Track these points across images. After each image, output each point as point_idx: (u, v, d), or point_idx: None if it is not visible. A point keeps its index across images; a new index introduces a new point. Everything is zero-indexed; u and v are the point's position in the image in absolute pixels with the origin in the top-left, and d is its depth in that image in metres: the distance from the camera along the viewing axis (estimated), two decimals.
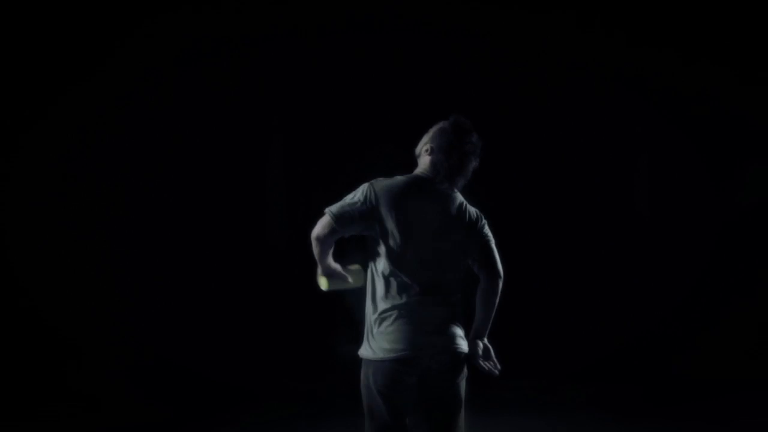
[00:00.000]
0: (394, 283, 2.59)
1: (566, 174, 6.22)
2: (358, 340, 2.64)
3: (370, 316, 2.59)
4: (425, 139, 2.76)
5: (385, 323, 2.56)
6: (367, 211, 2.56)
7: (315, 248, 2.60)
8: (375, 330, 2.57)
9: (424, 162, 2.71)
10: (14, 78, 5.37)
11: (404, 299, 2.58)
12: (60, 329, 5.40)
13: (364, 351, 2.58)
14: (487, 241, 2.77)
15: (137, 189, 5.71)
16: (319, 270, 2.65)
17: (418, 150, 2.77)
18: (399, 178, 2.66)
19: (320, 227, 2.57)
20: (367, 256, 2.65)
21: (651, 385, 5.47)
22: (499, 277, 2.75)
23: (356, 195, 2.59)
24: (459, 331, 2.65)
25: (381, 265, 2.59)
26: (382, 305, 2.58)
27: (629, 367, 5.74)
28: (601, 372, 5.63)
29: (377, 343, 2.55)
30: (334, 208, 2.56)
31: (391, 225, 2.58)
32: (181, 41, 5.48)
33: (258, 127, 5.95)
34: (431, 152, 2.68)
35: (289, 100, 5.87)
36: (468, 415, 2.70)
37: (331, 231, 2.55)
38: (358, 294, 2.72)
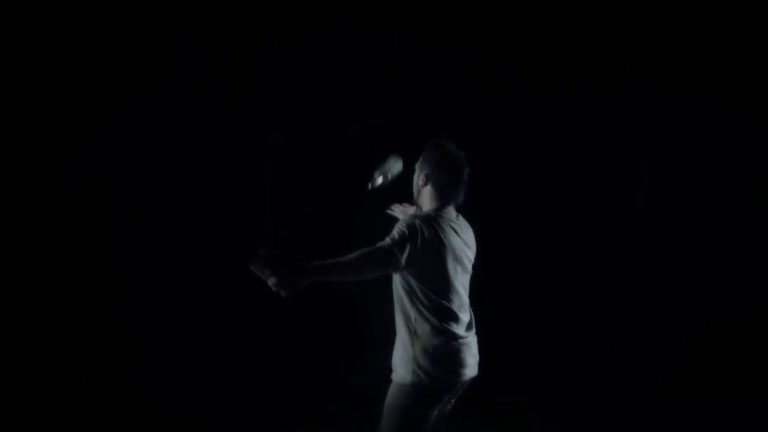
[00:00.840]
0: (444, 313, 2.70)
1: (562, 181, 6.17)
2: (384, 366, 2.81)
3: (419, 344, 2.68)
4: (416, 175, 2.89)
5: (440, 351, 2.68)
6: (422, 249, 2.63)
7: (346, 269, 2.59)
8: (429, 355, 2.67)
9: (426, 194, 2.87)
10: (15, 77, 5.38)
11: (454, 327, 2.72)
12: (77, 339, 5.41)
13: (411, 376, 2.68)
14: None
15: (154, 198, 5.68)
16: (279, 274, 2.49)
17: (415, 190, 2.91)
18: (428, 215, 2.76)
19: (380, 256, 2.60)
20: (405, 287, 2.73)
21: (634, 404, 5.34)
22: None
23: (411, 233, 2.64)
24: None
25: (427, 297, 2.69)
26: (434, 335, 2.68)
27: (608, 385, 5.62)
28: (582, 390, 5.54)
29: (434, 368, 2.67)
30: (398, 243, 2.61)
31: (438, 260, 2.69)
32: (179, 42, 5.49)
33: (258, 127, 5.93)
34: (428, 178, 2.83)
35: (288, 101, 5.86)
36: None
37: (390, 266, 2.63)
38: (391, 322, 2.85)
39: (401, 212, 3.14)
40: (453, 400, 2.86)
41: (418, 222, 2.65)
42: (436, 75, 5.77)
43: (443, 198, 2.78)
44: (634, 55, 5.85)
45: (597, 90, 5.94)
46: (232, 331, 5.61)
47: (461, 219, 2.87)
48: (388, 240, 2.62)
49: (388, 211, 3.21)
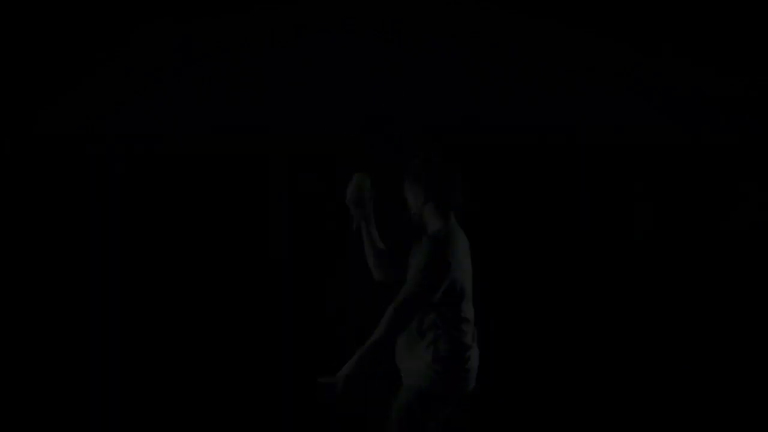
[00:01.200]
0: (460, 322, 2.79)
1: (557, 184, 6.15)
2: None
3: (436, 351, 2.76)
4: (412, 202, 2.89)
5: (456, 359, 2.77)
6: (448, 272, 2.71)
7: (393, 331, 2.69)
8: (446, 362, 2.76)
9: (429, 212, 2.88)
10: (15, 77, 5.37)
11: (467, 337, 2.82)
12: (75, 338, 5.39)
13: (427, 381, 2.76)
14: None
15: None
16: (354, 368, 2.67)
17: (417, 214, 2.90)
18: (442, 234, 2.79)
19: (417, 303, 2.69)
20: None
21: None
22: None
23: (437, 259, 2.70)
24: None
25: (448, 307, 2.77)
26: (452, 343, 2.77)
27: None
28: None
29: (450, 374, 2.76)
30: (429, 282, 2.68)
31: (457, 276, 2.77)
32: (179, 42, 5.48)
33: (258, 128, 5.93)
34: (426, 195, 2.83)
35: (289, 101, 5.85)
36: None
37: (424, 303, 2.70)
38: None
39: (356, 210, 3.06)
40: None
41: (439, 246, 2.70)
42: (436, 75, 5.77)
43: (446, 206, 2.79)
44: (634, 55, 5.85)
45: (597, 90, 5.93)
46: (231, 331, 5.61)
47: (461, 230, 2.88)
48: (418, 276, 2.66)
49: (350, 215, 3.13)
